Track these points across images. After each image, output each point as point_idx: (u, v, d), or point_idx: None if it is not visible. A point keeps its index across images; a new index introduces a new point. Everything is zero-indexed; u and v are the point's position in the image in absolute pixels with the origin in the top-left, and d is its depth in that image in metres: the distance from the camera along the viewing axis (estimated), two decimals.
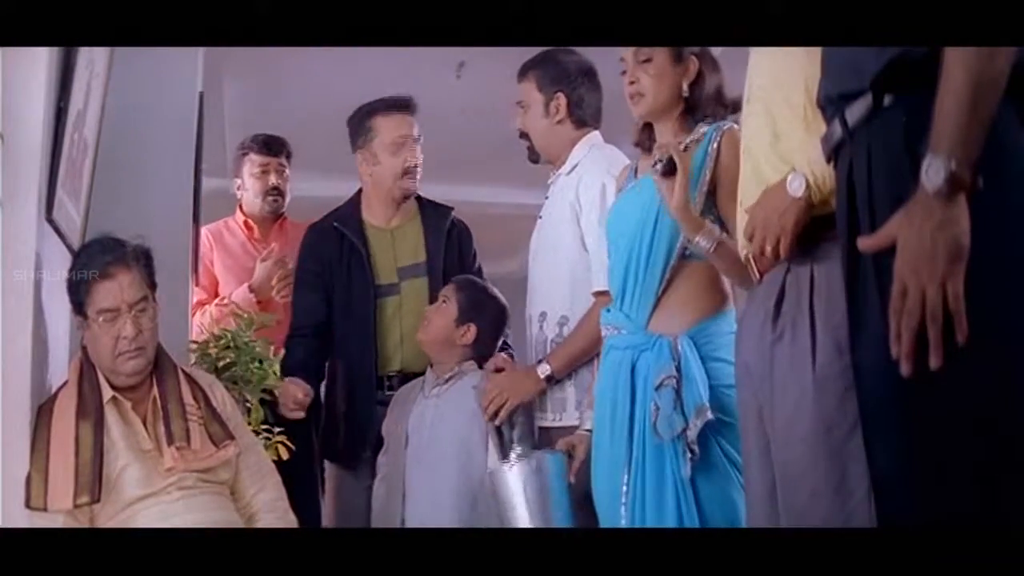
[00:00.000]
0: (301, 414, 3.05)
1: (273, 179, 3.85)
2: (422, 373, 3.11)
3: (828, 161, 1.70)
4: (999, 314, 1.40)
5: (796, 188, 1.83)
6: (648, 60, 2.49)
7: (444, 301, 3.03)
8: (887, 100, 1.51)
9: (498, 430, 2.86)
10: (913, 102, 1.46)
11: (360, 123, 3.23)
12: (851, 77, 1.56)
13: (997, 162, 1.40)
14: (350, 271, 3.19)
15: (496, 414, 2.86)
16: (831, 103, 1.63)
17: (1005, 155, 1.42)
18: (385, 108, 3.21)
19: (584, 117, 2.99)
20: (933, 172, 1.37)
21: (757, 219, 1.90)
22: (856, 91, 1.55)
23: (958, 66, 1.38)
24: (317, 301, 3.22)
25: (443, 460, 2.89)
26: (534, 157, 3.05)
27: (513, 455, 2.69)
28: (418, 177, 3.24)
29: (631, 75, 2.51)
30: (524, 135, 3.03)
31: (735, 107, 2.51)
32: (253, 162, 3.87)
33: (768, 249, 1.88)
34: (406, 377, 3.15)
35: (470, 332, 3.00)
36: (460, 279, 3.11)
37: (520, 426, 2.87)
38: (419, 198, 3.32)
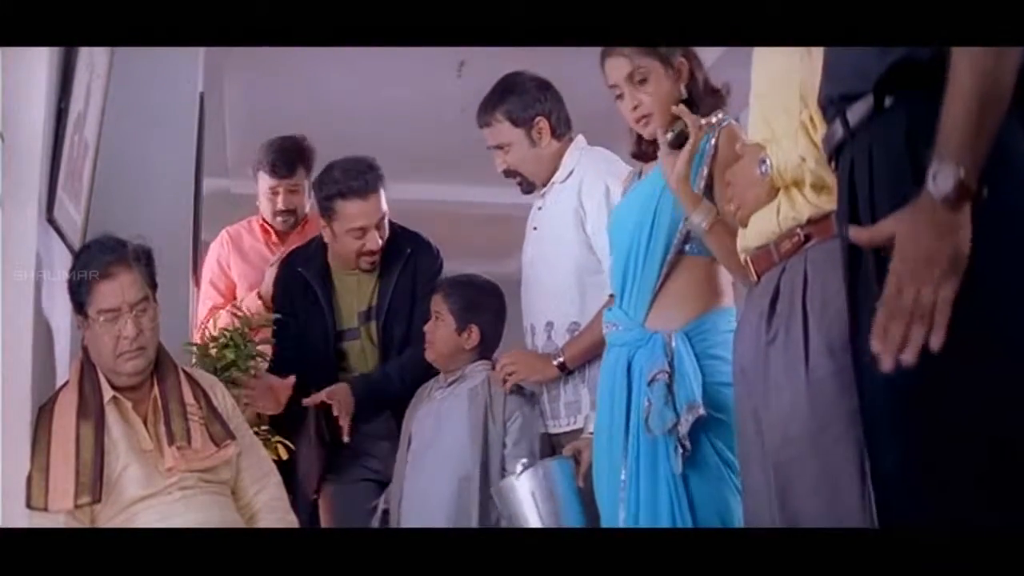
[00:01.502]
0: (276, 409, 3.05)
1: (281, 202, 3.76)
2: None
3: (829, 161, 1.70)
4: (1000, 317, 1.39)
5: (763, 169, 1.93)
6: (644, 80, 2.48)
7: (437, 316, 3.00)
8: (888, 101, 1.51)
9: (486, 436, 2.86)
10: (915, 103, 1.45)
11: (323, 199, 3.15)
12: (853, 79, 1.56)
13: (1000, 166, 1.40)
14: (312, 316, 3.19)
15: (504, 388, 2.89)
16: (832, 104, 1.63)
17: (1008, 160, 1.42)
18: (348, 192, 3.09)
19: (562, 129, 2.97)
20: (941, 179, 1.35)
21: (735, 177, 2.04)
22: (858, 92, 1.55)
23: (967, 72, 1.38)
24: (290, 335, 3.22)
25: (437, 462, 2.89)
26: (529, 188, 3.01)
27: (519, 466, 2.67)
28: (378, 257, 3.16)
29: (632, 100, 2.49)
30: (511, 173, 2.99)
31: (727, 91, 2.52)
32: (263, 181, 3.79)
33: (731, 208, 2.06)
34: None
35: (474, 334, 2.99)
36: (443, 286, 3.07)
37: (516, 432, 2.87)
38: (393, 226, 3.24)
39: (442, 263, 3.29)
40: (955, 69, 1.38)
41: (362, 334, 3.21)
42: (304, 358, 3.18)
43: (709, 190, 2.39)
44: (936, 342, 1.35)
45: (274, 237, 3.81)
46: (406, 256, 3.22)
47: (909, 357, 1.37)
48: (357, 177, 3.10)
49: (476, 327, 2.98)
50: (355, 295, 3.22)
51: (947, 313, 1.35)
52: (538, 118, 2.94)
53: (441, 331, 2.99)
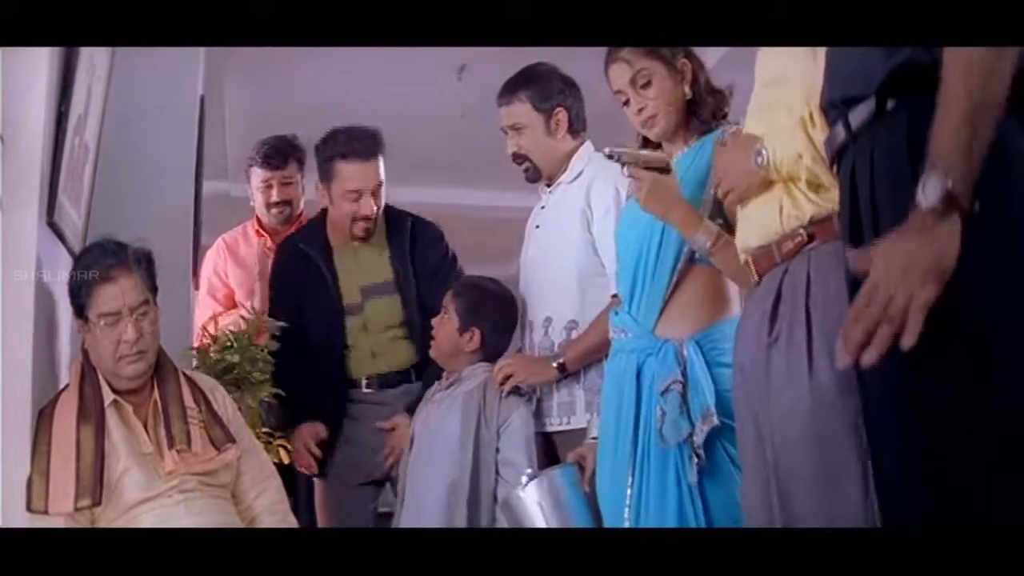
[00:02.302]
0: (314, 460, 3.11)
1: (276, 194, 3.77)
2: (401, 371, 3.20)
3: (831, 164, 1.70)
4: (1002, 317, 1.38)
5: (759, 160, 1.92)
6: (648, 84, 2.49)
7: (444, 312, 3.02)
8: (890, 104, 1.51)
9: (477, 440, 2.85)
10: (916, 106, 1.45)
11: (324, 161, 3.20)
12: (855, 82, 1.55)
13: (999, 167, 1.39)
14: (317, 293, 3.21)
15: (503, 387, 2.89)
16: (834, 107, 1.63)
17: (1006, 161, 1.41)
18: (348, 154, 3.15)
19: (579, 127, 3.01)
20: (930, 189, 1.35)
21: (728, 164, 2.02)
22: (860, 95, 1.55)
23: (959, 81, 1.37)
24: (289, 320, 3.20)
25: (431, 466, 2.89)
26: (535, 176, 3.03)
27: (523, 478, 2.65)
28: (372, 225, 3.20)
29: (636, 104, 2.50)
30: (521, 157, 3.01)
31: (729, 92, 2.51)
32: (256, 175, 3.81)
33: (720, 195, 2.03)
34: (383, 376, 3.21)
35: (475, 338, 2.98)
36: (457, 285, 3.09)
37: (510, 436, 2.85)
38: (388, 208, 3.28)
39: (447, 242, 3.33)
40: (946, 78, 1.38)
41: (367, 309, 3.21)
42: (309, 333, 3.19)
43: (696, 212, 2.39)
44: (907, 342, 1.35)
45: (269, 242, 3.80)
46: (409, 224, 3.27)
47: (870, 356, 1.37)
48: (359, 140, 3.16)
49: (478, 331, 2.98)
50: (355, 270, 3.24)
51: (920, 318, 1.34)
52: (559, 109, 2.97)
53: (445, 328, 3.01)
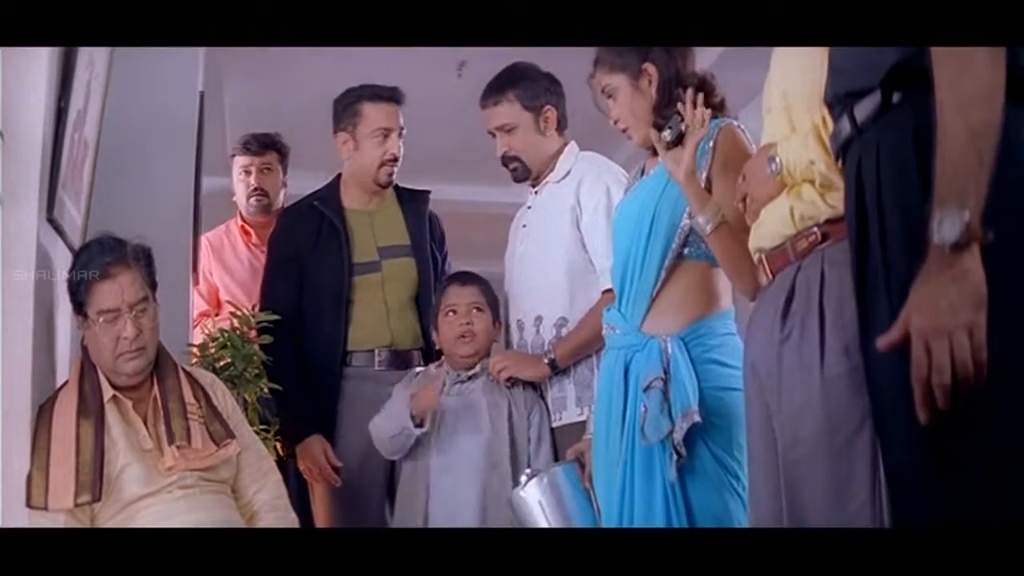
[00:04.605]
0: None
1: (255, 180, 3.81)
2: (412, 349, 3.16)
3: (836, 159, 1.70)
4: (1007, 311, 1.38)
5: (772, 168, 1.93)
6: (613, 97, 2.54)
7: (479, 308, 2.98)
8: (896, 97, 1.51)
9: (512, 426, 2.84)
10: (922, 99, 1.45)
11: (347, 106, 3.21)
12: (860, 74, 1.55)
13: (1007, 162, 1.39)
14: (327, 248, 3.17)
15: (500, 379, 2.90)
16: (839, 101, 1.63)
17: (1013, 156, 1.41)
18: (373, 96, 3.19)
19: (564, 126, 3.03)
20: (947, 227, 1.35)
21: (748, 171, 2.02)
22: (865, 89, 1.54)
23: (956, 120, 1.37)
24: (288, 290, 3.17)
25: (465, 460, 2.86)
26: (524, 175, 3.04)
27: (523, 476, 2.66)
28: (396, 169, 3.22)
29: (611, 115, 2.56)
30: (512, 158, 3.01)
31: (702, 85, 2.48)
32: (237, 164, 3.86)
33: (739, 203, 2.04)
34: (395, 353, 3.15)
35: (500, 327, 3.02)
36: (478, 279, 3.07)
37: (537, 426, 2.86)
38: (396, 186, 3.30)
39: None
40: (942, 116, 1.38)
41: (384, 268, 3.19)
42: (312, 301, 3.15)
43: (708, 190, 2.39)
44: (982, 380, 1.35)
45: (254, 238, 3.82)
46: (429, 202, 3.32)
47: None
48: (383, 87, 3.20)
49: (499, 321, 3.01)
50: (370, 232, 3.23)
51: (985, 354, 1.34)
52: (547, 107, 2.99)
53: (481, 324, 2.98)
